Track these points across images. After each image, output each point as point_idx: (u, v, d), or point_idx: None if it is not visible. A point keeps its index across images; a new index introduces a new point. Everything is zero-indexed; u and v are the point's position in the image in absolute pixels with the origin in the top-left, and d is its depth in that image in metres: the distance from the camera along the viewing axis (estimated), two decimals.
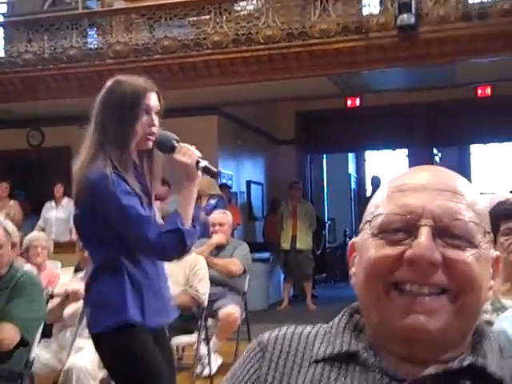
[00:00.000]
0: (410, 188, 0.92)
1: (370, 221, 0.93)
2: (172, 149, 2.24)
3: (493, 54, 6.82)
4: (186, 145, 2.25)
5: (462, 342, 0.92)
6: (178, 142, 2.26)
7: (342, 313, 1.00)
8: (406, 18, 6.51)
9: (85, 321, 3.73)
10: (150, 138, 2.27)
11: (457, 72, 8.39)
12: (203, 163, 2.24)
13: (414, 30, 6.64)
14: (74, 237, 8.47)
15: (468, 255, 0.88)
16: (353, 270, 0.97)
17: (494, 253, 0.95)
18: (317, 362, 0.95)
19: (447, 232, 0.88)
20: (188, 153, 2.22)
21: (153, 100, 2.28)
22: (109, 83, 2.34)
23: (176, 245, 2.18)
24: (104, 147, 2.21)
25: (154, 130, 2.27)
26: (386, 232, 0.90)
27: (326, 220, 12.57)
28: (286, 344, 0.98)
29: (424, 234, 0.87)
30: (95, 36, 7.93)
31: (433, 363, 0.90)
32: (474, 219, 0.90)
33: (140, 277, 2.22)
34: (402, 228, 0.89)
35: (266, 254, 9.66)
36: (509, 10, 6.45)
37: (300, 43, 6.93)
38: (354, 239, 0.99)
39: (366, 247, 0.91)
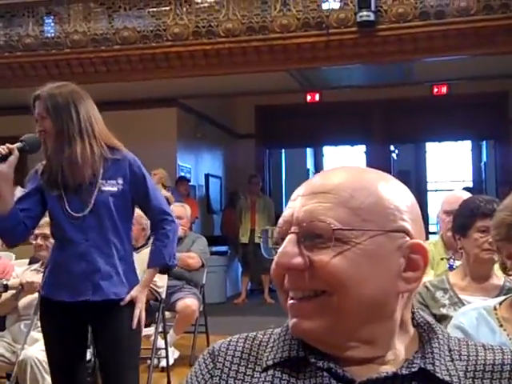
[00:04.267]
0: (292, 198, 0.96)
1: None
2: None
3: (450, 53, 6.93)
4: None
5: (377, 339, 0.92)
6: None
7: None
8: (366, 15, 6.57)
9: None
10: None
11: (414, 70, 8.51)
12: None
13: (373, 27, 6.69)
14: None
15: (332, 254, 0.88)
16: None
17: (410, 241, 0.92)
18: (268, 368, 0.95)
19: (310, 235, 0.90)
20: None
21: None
22: None
23: None
24: None
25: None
26: (276, 243, 0.95)
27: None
28: (237, 353, 0.99)
29: (285, 242, 0.91)
30: (52, 24, 7.78)
31: (367, 362, 0.91)
32: (341, 216, 0.89)
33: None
34: (281, 239, 0.93)
35: (224, 248, 9.67)
36: (465, 9, 6.57)
37: (260, 37, 6.92)
38: None
39: None
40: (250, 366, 0.97)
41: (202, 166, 10.29)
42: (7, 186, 2.44)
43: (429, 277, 2.84)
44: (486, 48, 6.69)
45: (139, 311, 2.56)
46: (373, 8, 6.61)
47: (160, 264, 2.67)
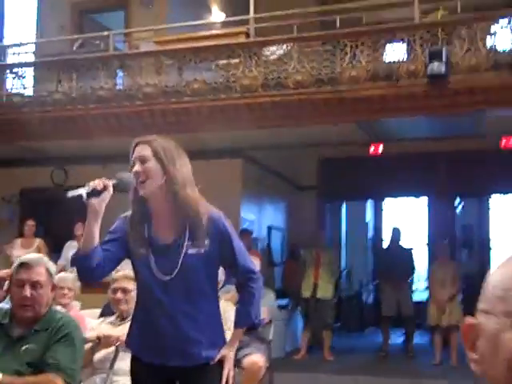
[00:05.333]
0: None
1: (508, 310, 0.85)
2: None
3: None
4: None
5: None
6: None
7: None
8: (437, 67, 6.50)
9: (115, 367, 3.65)
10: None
11: (482, 122, 8.36)
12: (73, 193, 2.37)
13: (444, 79, 6.62)
14: None
15: None
16: (475, 357, 0.90)
17: None
18: None
19: None
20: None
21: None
22: None
23: None
24: None
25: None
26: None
27: (343, 268, 12.41)
28: None
29: None
30: (123, 77, 8.00)
31: None
32: None
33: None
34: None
35: (285, 301, 9.50)
36: None
37: (329, 89, 6.94)
38: (474, 320, 0.92)
39: (506, 338, 0.85)
40: None
41: (265, 218, 10.25)
42: (95, 223, 2.38)
43: None
44: None
45: (228, 371, 2.50)
46: (444, 59, 6.55)
47: (248, 324, 2.63)
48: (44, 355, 2.77)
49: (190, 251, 2.40)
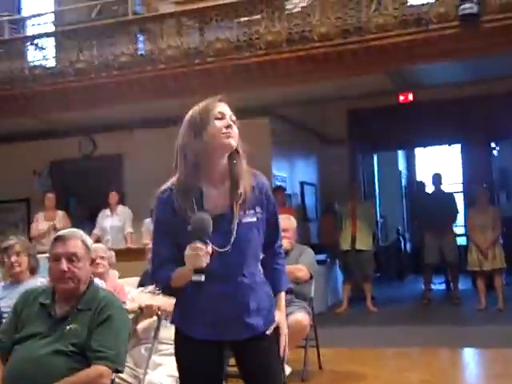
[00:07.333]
0: None
1: None
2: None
3: None
4: (200, 248, 2.20)
5: None
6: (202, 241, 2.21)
7: None
8: (469, 7, 6.23)
9: (159, 336, 3.63)
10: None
11: None
12: (196, 278, 2.20)
13: (477, 19, 6.35)
14: (131, 244, 8.48)
15: None
16: None
17: None
18: None
19: None
20: (193, 258, 2.20)
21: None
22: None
23: None
24: None
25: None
26: None
27: (379, 218, 12.31)
28: None
29: None
30: (144, 41, 7.86)
31: None
32: None
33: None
34: None
35: (323, 256, 9.45)
36: None
37: (356, 39, 6.71)
38: None
39: None
40: None
41: (297, 174, 10.14)
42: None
43: None
44: None
45: (285, 337, 2.47)
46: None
47: (287, 286, 2.59)
48: (88, 337, 2.72)
49: (244, 220, 2.35)
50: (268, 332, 2.41)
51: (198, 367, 2.38)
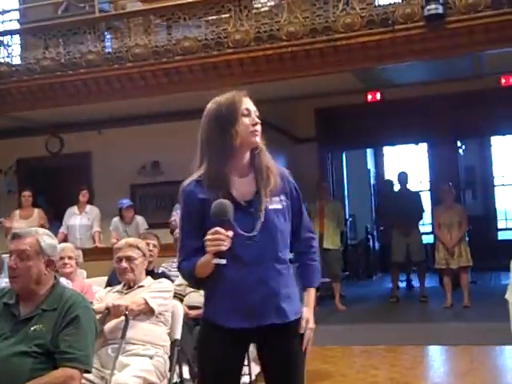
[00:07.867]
0: None
1: None
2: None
3: None
4: (220, 232, 2.22)
5: None
6: (223, 221, 2.25)
7: None
8: (434, 8, 6.31)
9: (127, 336, 3.60)
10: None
11: (482, 62, 8.17)
12: (217, 261, 2.23)
13: (442, 20, 6.43)
14: (99, 243, 8.38)
15: None
16: None
17: None
18: None
19: None
20: (213, 242, 2.23)
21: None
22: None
23: None
24: None
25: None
26: None
27: (348, 217, 12.38)
28: None
29: None
30: (111, 39, 7.79)
31: None
32: None
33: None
34: None
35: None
36: None
37: (324, 39, 6.74)
38: None
39: None
40: None
41: None
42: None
43: None
44: None
45: (310, 332, 2.48)
46: (441, 0, 6.35)
47: (318, 283, 2.62)
48: (54, 338, 2.68)
49: (271, 206, 2.39)
50: (300, 330, 2.45)
51: (223, 358, 2.39)
